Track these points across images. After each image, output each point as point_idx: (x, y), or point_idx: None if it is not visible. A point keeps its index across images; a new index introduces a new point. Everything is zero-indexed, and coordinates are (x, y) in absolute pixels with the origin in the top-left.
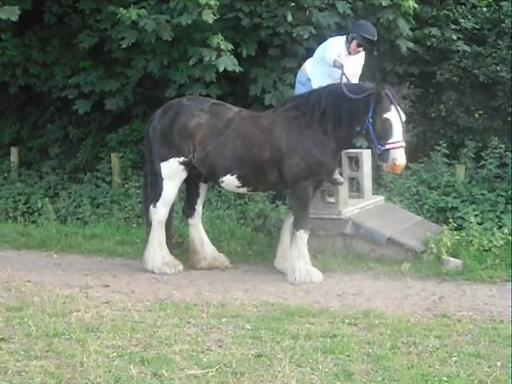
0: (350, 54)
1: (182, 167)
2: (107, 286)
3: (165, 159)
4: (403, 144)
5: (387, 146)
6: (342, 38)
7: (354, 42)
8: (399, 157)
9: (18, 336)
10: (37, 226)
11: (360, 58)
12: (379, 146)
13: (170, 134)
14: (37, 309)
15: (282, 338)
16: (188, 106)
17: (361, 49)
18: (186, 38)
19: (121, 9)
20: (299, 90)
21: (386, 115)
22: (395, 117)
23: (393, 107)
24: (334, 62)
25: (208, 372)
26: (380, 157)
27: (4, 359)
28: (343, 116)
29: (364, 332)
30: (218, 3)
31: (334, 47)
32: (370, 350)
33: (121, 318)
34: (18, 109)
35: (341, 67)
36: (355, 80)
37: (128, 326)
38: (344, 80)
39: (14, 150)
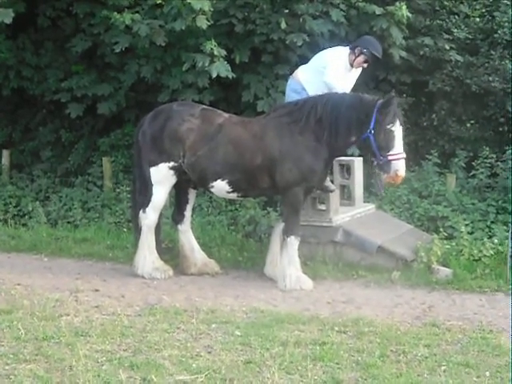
0: (351, 66)
1: (172, 172)
2: (97, 290)
3: (154, 164)
4: (404, 155)
5: (389, 158)
6: (344, 50)
7: (362, 57)
8: (401, 168)
9: (7, 339)
10: (27, 229)
11: (359, 71)
12: (381, 157)
13: (160, 139)
14: (26, 312)
15: (271, 344)
16: (179, 110)
17: (365, 64)
18: (180, 43)
19: (114, 13)
20: (292, 98)
21: (389, 127)
22: (398, 129)
23: (396, 120)
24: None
25: (197, 378)
26: (380, 168)
27: None
28: (341, 125)
29: (353, 340)
30: (212, 9)
31: (336, 68)
32: (360, 358)
33: (110, 322)
34: (10, 111)
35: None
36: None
37: (117, 331)
38: None
39: (5, 153)
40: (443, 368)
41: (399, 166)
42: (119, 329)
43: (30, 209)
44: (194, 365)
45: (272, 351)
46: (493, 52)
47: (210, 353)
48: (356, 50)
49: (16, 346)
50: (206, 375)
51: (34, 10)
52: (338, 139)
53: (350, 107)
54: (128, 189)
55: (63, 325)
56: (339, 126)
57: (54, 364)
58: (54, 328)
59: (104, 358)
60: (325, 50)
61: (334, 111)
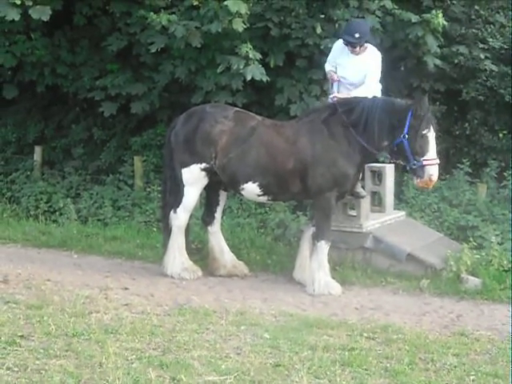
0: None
1: (204, 173)
2: (127, 288)
3: (186, 165)
4: (438, 161)
5: (424, 162)
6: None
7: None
8: (435, 173)
9: (38, 334)
10: (58, 225)
11: (367, 56)
12: (414, 162)
13: (193, 141)
14: (56, 308)
15: (300, 348)
16: (211, 112)
17: (357, 48)
18: (215, 45)
19: (151, 13)
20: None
21: (425, 132)
22: (432, 134)
23: (430, 125)
24: (328, 74)
25: (226, 379)
26: (414, 172)
27: (23, 357)
28: (373, 130)
29: (382, 346)
30: (248, 12)
31: (331, 54)
32: (388, 365)
33: (140, 321)
34: (43, 108)
35: (332, 79)
36: (369, 81)
37: (147, 330)
38: (338, 89)
39: (37, 149)
40: (472, 377)
41: (433, 171)
42: (149, 328)
43: (61, 205)
44: (223, 366)
45: (301, 355)
46: None
47: (239, 354)
48: None
49: (46, 342)
50: (234, 377)
51: (71, 8)
52: (371, 144)
53: (383, 111)
54: (159, 188)
55: (93, 322)
56: (372, 130)
57: (84, 360)
58: (84, 325)
59: (134, 356)
60: None
61: (367, 116)
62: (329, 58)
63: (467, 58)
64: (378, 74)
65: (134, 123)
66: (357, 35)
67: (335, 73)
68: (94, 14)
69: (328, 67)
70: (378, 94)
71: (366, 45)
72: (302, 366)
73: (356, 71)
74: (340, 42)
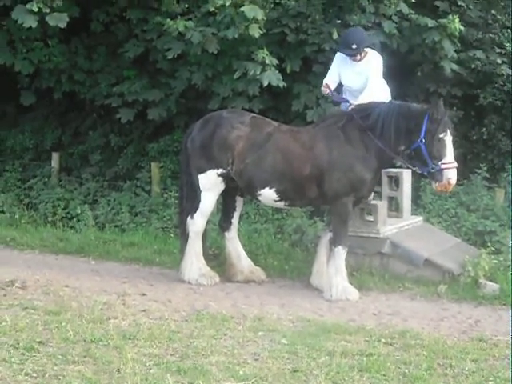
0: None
1: (220, 179)
2: (144, 294)
3: (203, 171)
4: (456, 164)
5: (442, 166)
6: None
7: None
8: (453, 177)
9: (56, 340)
10: (75, 231)
11: (369, 61)
12: (432, 166)
13: (210, 146)
14: (75, 314)
15: (318, 354)
16: (228, 118)
17: (357, 57)
18: (232, 51)
19: (168, 20)
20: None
21: (442, 136)
22: (449, 138)
23: (447, 128)
24: (322, 91)
25: None
26: (432, 176)
27: (42, 362)
28: (390, 135)
29: (400, 352)
30: (264, 18)
31: (332, 68)
32: (406, 371)
33: (158, 326)
34: (60, 114)
35: (331, 94)
36: (370, 84)
37: (165, 335)
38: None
39: (54, 156)
40: (490, 383)
41: (451, 175)
42: (166, 333)
43: (79, 212)
44: (240, 372)
45: (319, 361)
46: None
47: (256, 360)
48: None
49: (64, 347)
50: (252, 382)
51: (88, 15)
52: (387, 148)
53: (399, 116)
54: (176, 194)
55: (111, 327)
56: (388, 135)
57: (102, 366)
58: (102, 330)
59: (151, 362)
60: None
61: (383, 121)
62: (329, 72)
63: (484, 62)
64: (379, 76)
65: (150, 129)
66: (354, 46)
67: (329, 88)
68: (111, 20)
69: (326, 81)
70: (388, 98)
71: (365, 50)
72: (319, 372)
73: (360, 78)
74: (339, 53)
